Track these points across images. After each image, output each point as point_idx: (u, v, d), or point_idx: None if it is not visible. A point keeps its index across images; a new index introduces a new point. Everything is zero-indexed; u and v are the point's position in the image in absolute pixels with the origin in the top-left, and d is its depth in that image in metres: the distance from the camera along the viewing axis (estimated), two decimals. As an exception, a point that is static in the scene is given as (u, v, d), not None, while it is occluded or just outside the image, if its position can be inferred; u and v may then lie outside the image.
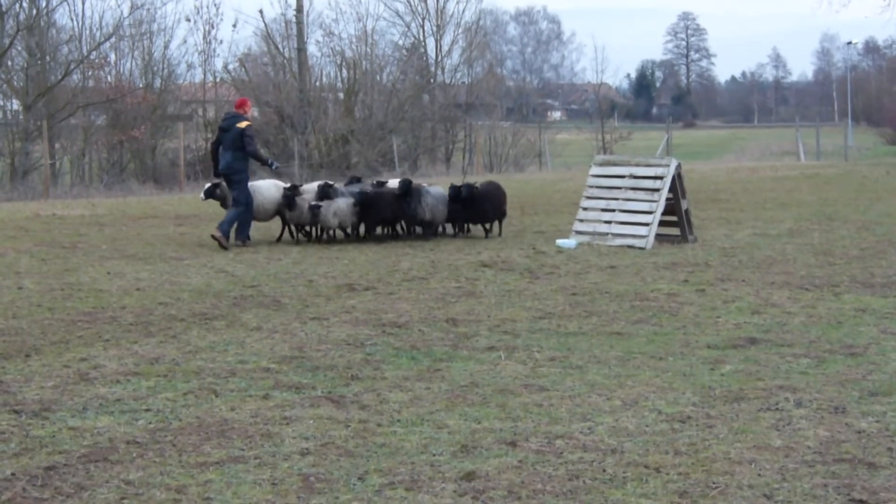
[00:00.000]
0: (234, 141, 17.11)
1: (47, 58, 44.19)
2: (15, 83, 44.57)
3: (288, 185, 18.02)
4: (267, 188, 17.89)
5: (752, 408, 7.39)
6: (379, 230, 18.29)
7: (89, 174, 42.65)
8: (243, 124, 17.20)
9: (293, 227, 18.03)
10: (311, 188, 17.82)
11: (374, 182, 18.75)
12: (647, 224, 16.39)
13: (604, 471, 6.16)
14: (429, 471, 6.17)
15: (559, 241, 16.70)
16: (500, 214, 18.47)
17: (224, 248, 16.48)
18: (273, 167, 18.36)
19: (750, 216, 20.64)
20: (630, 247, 16.12)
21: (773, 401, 7.55)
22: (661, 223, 16.59)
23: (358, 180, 19.23)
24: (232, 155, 17.13)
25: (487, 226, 18.42)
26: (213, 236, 16.83)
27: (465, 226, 18.78)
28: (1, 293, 12.47)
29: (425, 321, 10.67)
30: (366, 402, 7.63)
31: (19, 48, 43.57)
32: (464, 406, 7.52)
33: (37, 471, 6.18)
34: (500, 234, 18.40)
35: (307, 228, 17.95)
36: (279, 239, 18.03)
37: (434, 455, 6.44)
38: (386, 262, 14.97)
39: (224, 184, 17.65)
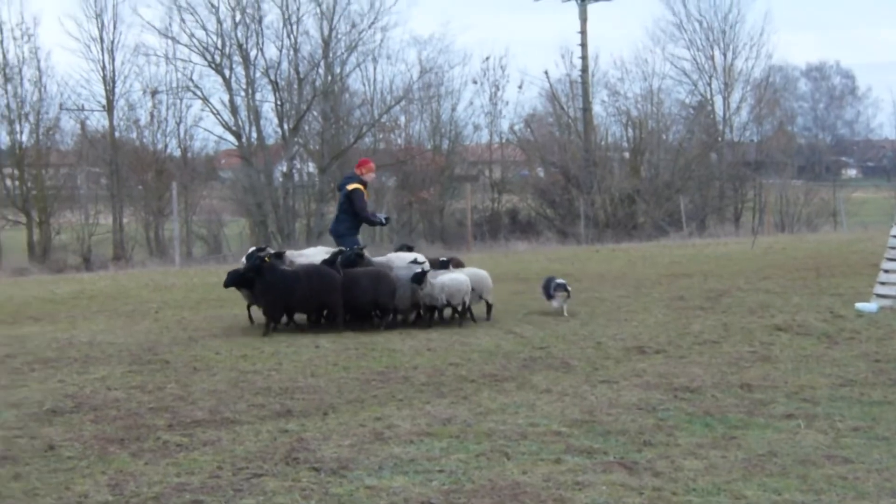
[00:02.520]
0: (342, 204, 16.54)
1: (341, 122, 46.09)
2: (311, 146, 46.68)
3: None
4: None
5: None
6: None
7: (380, 234, 44.14)
8: (351, 187, 16.33)
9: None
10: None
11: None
12: (954, 287, 15.54)
13: (918, 552, 5.79)
14: (728, 544, 5.94)
15: (859, 305, 16.00)
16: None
17: None
18: (386, 222, 17.15)
19: None
20: (936, 311, 15.30)
21: None
22: (970, 286, 15.68)
23: (409, 248, 16.96)
24: (336, 218, 16.70)
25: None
26: None
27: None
28: (300, 352, 12.90)
29: (718, 386, 10.37)
30: (659, 468, 7.45)
31: (315, 113, 45.63)
32: (762, 476, 7.24)
33: (335, 529, 6.29)
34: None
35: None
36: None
37: (733, 528, 6.21)
38: (676, 325, 14.68)
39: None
